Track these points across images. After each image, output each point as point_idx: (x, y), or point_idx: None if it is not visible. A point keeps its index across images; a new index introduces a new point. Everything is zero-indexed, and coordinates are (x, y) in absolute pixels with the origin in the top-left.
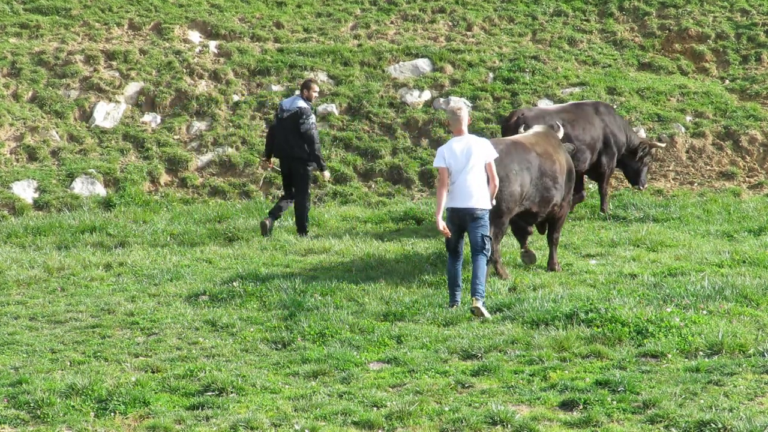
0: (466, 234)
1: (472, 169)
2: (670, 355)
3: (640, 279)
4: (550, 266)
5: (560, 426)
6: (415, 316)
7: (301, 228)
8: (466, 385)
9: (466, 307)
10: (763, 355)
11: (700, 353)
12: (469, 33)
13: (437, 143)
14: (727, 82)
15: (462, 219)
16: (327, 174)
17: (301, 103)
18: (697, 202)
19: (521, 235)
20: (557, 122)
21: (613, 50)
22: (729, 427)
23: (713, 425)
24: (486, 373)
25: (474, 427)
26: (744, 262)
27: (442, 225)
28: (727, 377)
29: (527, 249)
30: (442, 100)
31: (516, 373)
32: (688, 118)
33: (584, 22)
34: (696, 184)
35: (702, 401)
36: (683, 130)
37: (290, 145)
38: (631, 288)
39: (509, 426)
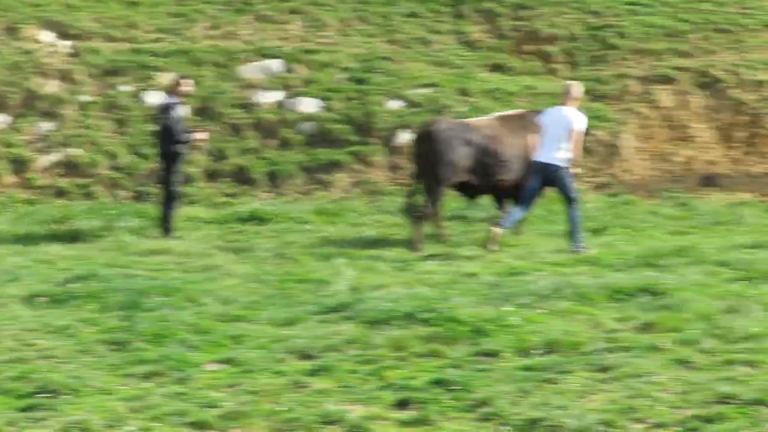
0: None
1: (558, 133)
2: (505, 354)
3: (480, 278)
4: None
5: (395, 425)
6: (254, 316)
7: (167, 227)
8: (302, 385)
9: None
10: (597, 353)
11: (536, 352)
12: (323, 34)
13: (286, 143)
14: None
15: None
16: (199, 135)
17: (167, 99)
18: (540, 201)
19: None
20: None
21: (466, 51)
22: (560, 424)
23: (544, 423)
24: (322, 372)
25: (308, 426)
26: (583, 261)
27: None
28: (560, 375)
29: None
30: (292, 100)
31: (352, 373)
32: None
33: (438, 24)
34: None
35: (535, 399)
36: None
37: (161, 141)
38: (470, 287)
39: (343, 425)
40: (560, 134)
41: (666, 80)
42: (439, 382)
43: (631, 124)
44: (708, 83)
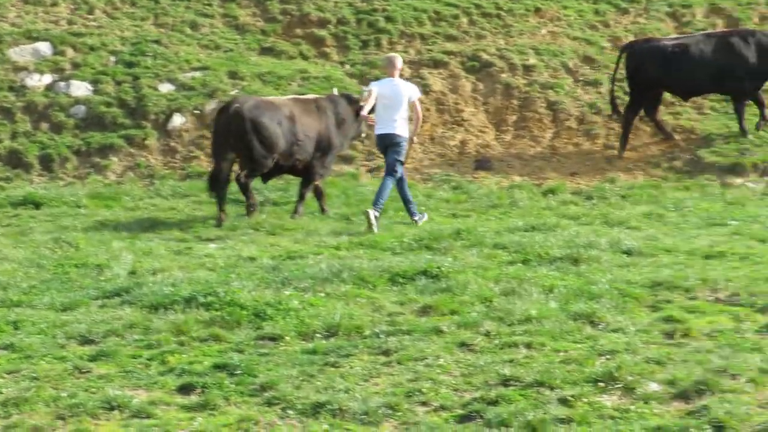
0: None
1: (398, 105)
2: (288, 338)
3: (259, 262)
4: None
5: (178, 409)
6: (33, 301)
7: None
8: (84, 371)
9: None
10: (379, 336)
11: (318, 335)
12: (90, 17)
13: (58, 127)
14: (347, 66)
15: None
16: None
17: None
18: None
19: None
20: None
21: (236, 35)
22: (344, 408)
23: (329, 406)
24: (104, 358)
25: (91, 412)
26: (361, 245)
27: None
28: (343, 359)
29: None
30: (62, 83)
31: (134, 358)
32: None
33: (207, 7)
34: None
35: (319, 383)
36: None
37: None
38: (250, 271)
39: (127, 410)
40: (396, 105)
41: (436, 64)
42: (221, 367)
43: None
44: (478, 67)
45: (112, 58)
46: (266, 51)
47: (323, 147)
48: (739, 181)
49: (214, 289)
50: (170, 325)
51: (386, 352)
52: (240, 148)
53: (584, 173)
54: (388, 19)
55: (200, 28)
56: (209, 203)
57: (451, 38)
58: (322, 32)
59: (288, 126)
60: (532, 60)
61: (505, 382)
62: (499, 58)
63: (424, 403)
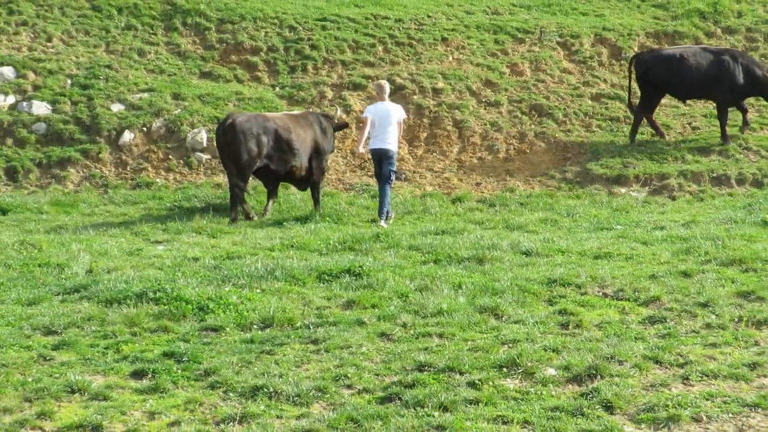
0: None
1: (390, 124)
2: (228, 329)
3: (202, 262)
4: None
5: (132, 392)
6: (1, 297)
7: None
8: (48, 359)
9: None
10: (309, 328)
11: (255, 327)
12: (49, 44)
13: (21, 142)
14: (278, 89)
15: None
16: None
17: None
18: (251, 194)
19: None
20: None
21: (178, 60)
22: (279, 390)
23: (265, 389)
24: (65, 347)
25: (55, 395)
26: (292, 246)
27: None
28: (277, 347)
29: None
30: (25, 103)
31: (92, 347)
32: None
33: (152, 36)
34: (250, 178)
35: (256, 369)
36: None
37: None
38: (194, 270)
39: (86, 394)
40: (389, 125)
41: (356, 87)
42: (170, 355)
43: None
44: (393, 90)
45: (69, 81)
46: (205, 75)
47: (316, 153)
48: (623, 190)
49: (162, 286)
50: (124, 317)
51: (315, 342)
52: (230, 155)
53: (487, 183)
54: (313, 47)
55: (147, 55)
56: (157, 209)
57: (368, 64)
58: (255, 58)
59: (278, 136)
60: (440, 84)
61: (421, 367)
62: (411, 82)
63: (349, 387)
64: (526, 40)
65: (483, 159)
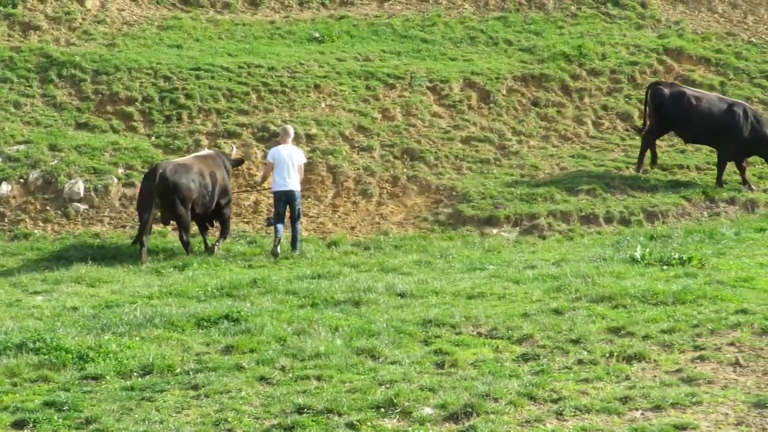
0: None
1: (293, 165)
2: (108, 377)
3: (81, 311)
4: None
5: None
6: None
7: None
8: None
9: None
10: (188, 374)
11: (135, 374)
12: None
13: None
14: (153, 138)
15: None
16: None
17: None
18: (129, 243)
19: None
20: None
21: (54, 112)
22: None
23: None
24: None
25: None
26: (171, 293)
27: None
28: (158, 394)
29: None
30: None
31: None
32: (120, 170)
33: (28, 88)
34: (128, 227)
35: (137, 416)
36: (116, 180)
37: None
38: (73, 319)
39: None
40: (292, 167)
41: (231, 135)
42: (50, 404)
43: None
44: (267, 137)
45: None
46: (81, 126)
47: (225, 191)
48: (494, 231)
49: (41, 336)
50: (4, 368)
51: (195, 387)
52: (165, 206)
53: (362, 227)
54: (188, 96)
55: (23, 107)
56: (35, 260)
57: (243, 112)
58: (130, 108)
59: (202, 180)
60: (314, 130)
61: (300, 410)
62: (281, 127)
63: (229, 431)
64: (397, 85)
65: (357, 203)
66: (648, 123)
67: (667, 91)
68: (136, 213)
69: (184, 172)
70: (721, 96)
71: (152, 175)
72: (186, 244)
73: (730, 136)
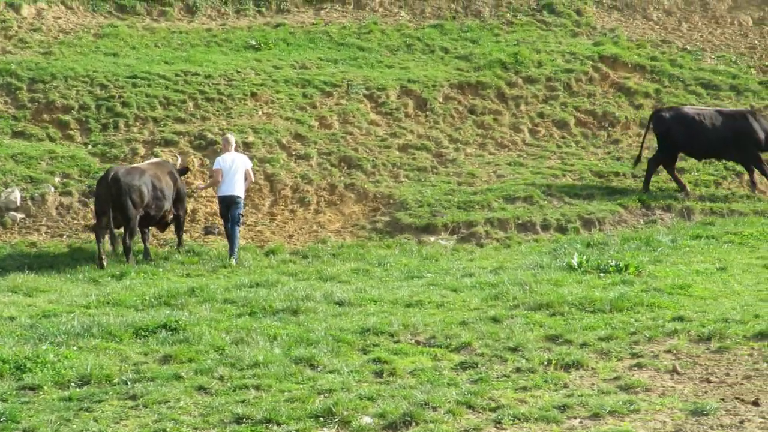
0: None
1: (236, 172)
2: (46, 387)
3: (18, 321)
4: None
5: None
6: None
7: None
8: None
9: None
10: (126, 383)
11: (73, 384)
12: None
13: None
14: (90, 147)
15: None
16: None
17: None
18: (67, 252)
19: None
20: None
21: None
22: None
23: None
24: None
25: None
26: (108, 303)
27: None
28: (96, 404)
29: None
30: None
31: None
32: (57, 178)
33: None
34: (65, 237)
35: (74, 426)
36: (53, 189)
37: None
38: (10, 329)
39: None
40: (236, 173)
41: (168, 143)
42: None
43: None
44: (204, 145)
45: None
46: (18, 134)
47: (180, 196)
48: (432, 239)
49: None
50: None
51: (133, 397)
52: (116, 207)
53: (300, 235)
54: (125, 104)
55: None
56: None
57: (179, 120)
58: (67, 117)
59: (154, 185)
60: (251, 138)
61: (239, 419)
62: (222, 137)
63: None
64: (334, 93)
65: (294, 211)
66: (658, 149)
67: (668, 115)
68: (94, 218)
69: (137, 175)
70: (721, 108)
71: (105, 177)
72: (128, 250)
73: (742, 143)
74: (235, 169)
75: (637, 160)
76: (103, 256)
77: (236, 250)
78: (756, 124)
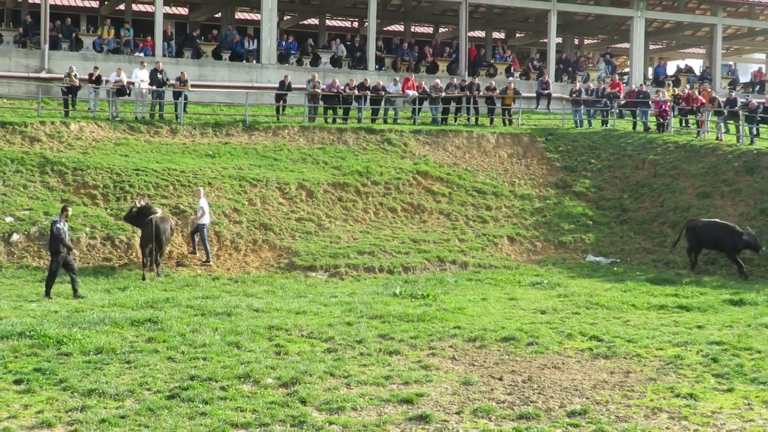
0: None
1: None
2: (74, 354)
3: (60, 313)
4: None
5: None
6: None
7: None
8: None
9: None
10: (124, 354)
11: (91, 353)
12: None
13: None
14: (108, 210)
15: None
16: None
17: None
18: (91, 273)
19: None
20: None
21: (47, 192)
22: None
23: None
24: None
25: None
26: (115, 304)
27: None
28: (105, 366)
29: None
30: None
31: None
32: (88, 228)
33: (31, 177)
34: (90, 263)
35: (92, 378)
36: (84, 235)
37: None
38: (54, 318)
39: None
40: (207, 211)
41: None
42: (38, 370)
43: None
44: (178, 212)
45: None
46: (64, 201)
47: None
48: (313, 274)
49: (34, 328)
50: (9, 347)
51: (128, 362)
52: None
53: (234, 269)
54: (131, 185)
55: (28, 188)
56: (35, 282)
57: (164, 197)
58: (95, 192)
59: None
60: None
61: (192, 378)
62: (196, 189)
63: (148, 389)
64: (258, 185)
65: (231, 254)
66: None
67: (693, 224)
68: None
69: (167, 222)
70: (719, 220)
71: (149, 222)
72: (157, 263)
73: (727, 242)
74: (208, 208)
75: (674, 246)
76: (145, 274)
77: (209, 255)
78: (732, 232)
